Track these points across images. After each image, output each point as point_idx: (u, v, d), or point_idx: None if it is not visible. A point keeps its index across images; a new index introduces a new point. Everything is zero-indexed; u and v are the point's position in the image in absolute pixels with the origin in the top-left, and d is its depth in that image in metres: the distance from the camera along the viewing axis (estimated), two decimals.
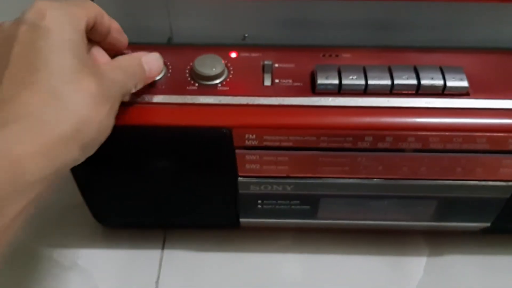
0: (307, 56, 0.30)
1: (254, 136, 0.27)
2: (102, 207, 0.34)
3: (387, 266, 0.34)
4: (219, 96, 0.28)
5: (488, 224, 0.32)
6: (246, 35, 0.33)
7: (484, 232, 0.34)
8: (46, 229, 0.36)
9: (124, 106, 0.27)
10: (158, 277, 0.34)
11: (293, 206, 0.31)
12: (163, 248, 0.35)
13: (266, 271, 0.34)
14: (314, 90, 0.28)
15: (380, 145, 0.27)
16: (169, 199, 0.32)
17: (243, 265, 0.34)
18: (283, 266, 0.34)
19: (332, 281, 0.34)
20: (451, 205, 0.31)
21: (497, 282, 0.34)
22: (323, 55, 0.30)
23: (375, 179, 0.29)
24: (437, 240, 0.35)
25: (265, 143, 0.28)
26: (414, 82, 0.27)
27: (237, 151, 0.28)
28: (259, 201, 0.31)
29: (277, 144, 0.28)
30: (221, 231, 0.36)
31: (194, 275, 0.34)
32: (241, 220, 0.33)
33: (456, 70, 0.28)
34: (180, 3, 0.33)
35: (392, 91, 0.28)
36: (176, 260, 0.35)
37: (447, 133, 0.27)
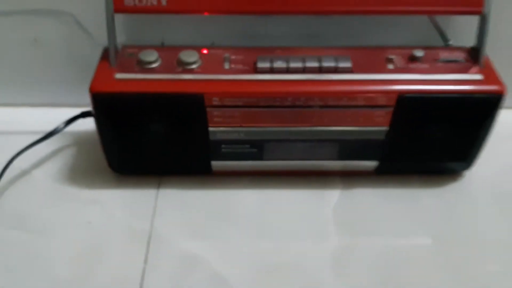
0: (253, 52, 0.46)
1: (218, 99, 0.43)
2: (115, 158, 0.49)
3: (313, 196, 0.50)
4: (195, 75, 0.44)
5: (377, 163, 0.48)
6: (214, 41, 0.50)
7: (377, 171, 0.50)
8: (76, 177, 0.51)
9: (131, 80, 0.42)
10: (155, 205, 0.49)
11: (245, 150, 0.47)
12: (158, 188, 0.50)
13: (231, 201, 0.49)
14: (256, 70, 0.44)
15: (298, 103, 0.44)
16: (162, 150, 0.47)
17: (216, 198, 0.50)
18: (243, 197, 0.50)
19: (276, 207, 0.49)
20: (348, 146, 0.47)
21: (388, 206, 0.49)
22: (264, 51, 0.46)
23: (297, 127, 0.45)
24: (348, 178, 0.51)
25: (225, 103, 0.43)
26: (317, 64, 0.44)
27: (207, 109, 0.44)
28: (223, 146, 0.46)
29: (232, 104, 0.44)
30: (200, 177, 0.51)
31: (180, 206, 0.49)
32: (212, 163, 0.48)
33: (346, 58, 0.45)
34: (170, 20, 0.49)
35: (304, 70, 0.44)
36: (167, 196, 0.50)
37: (339, 95, 0.43)
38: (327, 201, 0.50)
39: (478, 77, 0.45)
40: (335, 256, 0.45)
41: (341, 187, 0.51)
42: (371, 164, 0.49)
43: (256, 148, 0.47)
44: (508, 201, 0.50)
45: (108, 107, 0.44)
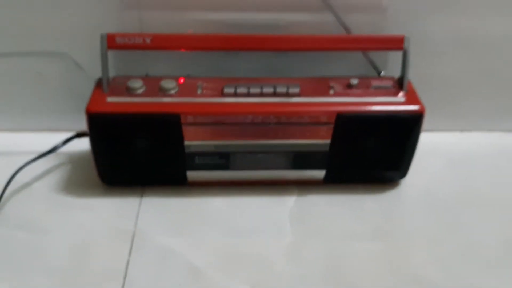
0: (222, 81, 0.56)
1: (192, 118, 0.53)
2: (105, 170, 0.58)
3: (273, 201, 0.59)
4: (173, 98, 0.54)
5: (325, 172, 0.58)
6: (189, 73, 0.60)
7: (326, 180, 0.60)
8: (71, 188, 0.60)
9: (120, 103, 0.52)
10: (139, 210, 0.58)
11: (215, 161, 0.56)
12: (141, 196, 0.59)
13: (204, 206, 0.58)
14: (223, 94, 0.54)
15: (256, 121, 0.54)
16: (145, 162, 0.57)
17: (191, 204, 0.58)
18: (214, 203, 0.58)
19: (242, 211, 0.58)
20: (299, 156, 0.56)
21: (335, 209, 0.59)
22: (230, 80, 0.57)
23: (256, 141, 0.55)
24: (302, 187, 0.61)
25: (198, 121, 0.53)
26: (272, 90, 0.54)
27: (183, 126, 0.54)
28: (196, 157, 0.56)
29: (204, 121, 0.53)
30: (177, 186, 0.60)
31: (160, 211, 0.58)
32: (188, 173, 0.57)
33: (295, 85, 0.55)
34: (153, 55, 0.60)
35: (262, 95, 0.54)
36: (149, 203, 0.58)
37: (290, 114, 0.54)
38: (285, 205, 0.59)
39: (402, 99, 0.56)
40: (289, 249, 0.54)
41: (296, 194, 0.60)
42: (320, 173, 0.59)
43: (224, 159, 0.56)
44: (436, 204, 0.60)
45: (101, 125, 0.53)
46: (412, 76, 0.58)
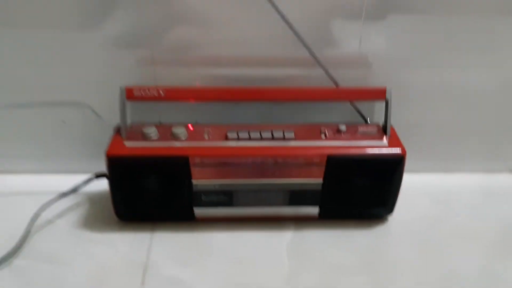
0: (225, 127, 0.64)
1: (199, 159, 0.60)
2: (121, 207, 0.64)
3: (272, 236, 0.65)
4: (183, 142, 0.61)
5: (319, 209, 0.65)
6: (197, 120, 0.68)
7: (320, 216, 0.66)
8: (89, 224, 0.66)
9: (136, 147, 0.60)
10: (150, 244, 0.64)
11: (220, 198, 0.63)
12: (153, 231, 0.65)
13: (210, 240, 0.64)
14: (227, 139, 0.62)
15: (256, 162, 0.61)
16: (156, 200, 0.63)
17: (198, 238, 0.65)
18: (218, 237, 0.65)
19: (244, 244, 0.64)
20: (295, 194, 0.63)
21: (329, 243, 0.65)
22: (233, 127, 0.64)
23: (256, 180, 0.62)
24: (298, 222, 0.67)
25: (204, 163, 0.61)
26: (270, 135, 0.62)
27: (191, 167, 0.61)
28: (203, 195, 0.63)
29: (210, 163, 0.61)
30: (185, 222, 0.66)
31: (170, 244, 0.64)
32: (195, 210, 0.64)
33: (290, 131, 0.63)
34: (165, 105, 0.68)
35: (261, 139, 0.62)
36: (159, 237, 0.64)
37: (286, 156, 0.61)
38: (283, 239, 0.65)
39: (385, 143, 0.63)
40: (286, 278, 0.60)
41: (293, 229, 0.67)
42: (314, 210, 0.65)
43: (227, 196, 0.63)
44: (421, 238, 0.66)
45: (120, 167, 0.60)
46: (400, 122, 0.65)
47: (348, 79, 0.67)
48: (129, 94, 0.61)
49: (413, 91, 0.71)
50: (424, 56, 0.69)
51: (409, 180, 0.65)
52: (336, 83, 0.66)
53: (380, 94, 0.64)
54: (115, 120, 0.64)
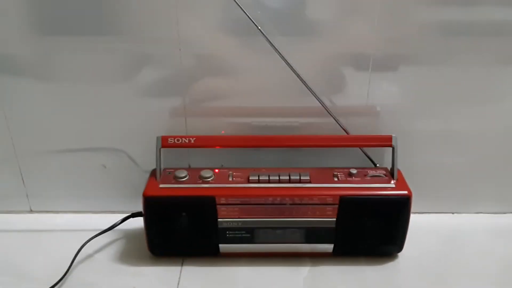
0: (248, 171, 0.71)
1: (224, 199, 0.68)
2: (155, 243, 0.72)
3: (290, 271, 0.71)
4: (210, 184, 0.69)
5: (333, 245, 0.71)
6: (222, 164, 0.75)
7: (334, 252, 0.72)
8: (125, 258, 0.73)
9: (170, 188, 0.67)
10: (180, 277, 0.70)
11: (242, 235, 0.70)
12: (182, 265, 0.72)
13: (233, 274, 0.71)
14: (249, 181, 0.69)
15: (275, 202, 0.68)
16: (185, 237, 0.70)
17: (223, 272, 0.71)
18: (241, 272, 0.71)
19: (264, 278, 0.70)
20: (311, 232, 0.69)
21: (343, 278, 0.70)
22: (254, 170, 0.72)
23: (275, 218, 0.69)
24: (314, 258, 0.73)
25: (229, 202, 0.68)
26: (287, 177, 0.69)
27: (217, 206, 0.68)
28: (227, 232, 0.69)
29: (234, 202, 0.68)
30: (211, 257, 0.73)
31: (197, 277, 0.70)
32: (220, 245, 0.71)
33: (306, 173, 0.70)
34: (194, 151, 0.76)
35: (280, 181, 0.69)
36: (188, 271, 0.71)
37: (302, 196, 0.68)
38: (300, 275, 0.71)
39: (393, 186, 0.70)
40: None
41: (310, 265, 0.72)
42: (329, 247, 0.71)
43: (249, 233, 0.70)
44: (430, 274, 0.71)
45: (155, 206, 0.68)
46: (407, 166, 0.72)
47: (358, 126, 0.74)
48: (164, 142, 0.70)
49: (419, 137, 0.78)
50: (429, 105, 0.75)
51: (418, 220, 0.71)
52: (346, 131, 0.74)
53: (386, 141, 0.71)
54: (148, 165, 0.72)
